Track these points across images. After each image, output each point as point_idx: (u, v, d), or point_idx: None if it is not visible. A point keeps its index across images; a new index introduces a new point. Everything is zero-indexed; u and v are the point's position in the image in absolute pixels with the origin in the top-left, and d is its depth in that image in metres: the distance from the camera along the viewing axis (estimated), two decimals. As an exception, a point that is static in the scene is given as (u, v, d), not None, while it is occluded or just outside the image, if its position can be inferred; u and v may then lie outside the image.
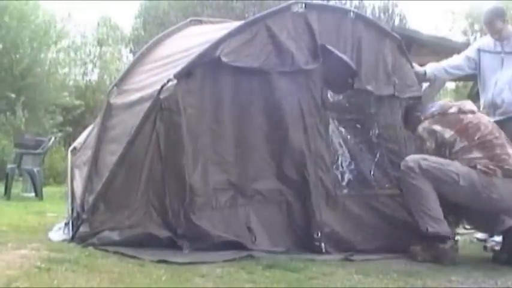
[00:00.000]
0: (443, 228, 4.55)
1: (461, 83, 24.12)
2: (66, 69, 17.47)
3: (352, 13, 5.13)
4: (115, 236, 4.35)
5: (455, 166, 4.55)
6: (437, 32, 27.09)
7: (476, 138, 4.59)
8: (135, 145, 4.39)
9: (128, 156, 4.42)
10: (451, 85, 26.20)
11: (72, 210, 4.94)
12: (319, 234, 4.57)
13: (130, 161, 4.43)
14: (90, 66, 18.91)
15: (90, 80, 18.55)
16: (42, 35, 15.28)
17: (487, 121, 4.80)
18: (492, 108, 5.53)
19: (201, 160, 4.37)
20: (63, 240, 4.69)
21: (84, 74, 18.76)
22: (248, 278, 3.56)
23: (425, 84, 6.21)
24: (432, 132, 4.69)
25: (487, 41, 5.72)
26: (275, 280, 3.67)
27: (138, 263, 3.91)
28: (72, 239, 4.62)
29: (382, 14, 25.24)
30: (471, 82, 16.97)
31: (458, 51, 5.96)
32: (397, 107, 5.35)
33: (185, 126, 4.27)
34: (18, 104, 13.68)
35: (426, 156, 4.62)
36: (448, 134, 4.64)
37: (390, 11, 25.96)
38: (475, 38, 30.73)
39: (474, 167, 4.52)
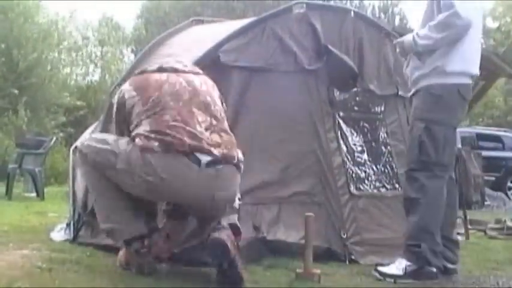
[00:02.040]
0: (121, 226, 3.57)
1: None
2: (68, 70, 17.49)
3: (352, 13, 5.12)
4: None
5: (119, 143, 3.49)
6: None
7: (150, 100, 3.44)
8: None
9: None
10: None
11: (74, 210, 4.94)
12: (346, 235, 4.57)
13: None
14: (91, 66, 18.92)
15: (91, 80, 18.57)
16: (45, 35, 15.29)
17: (182, 81, 3.56)
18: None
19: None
20: (65, 241, 4.70)
21: (86, 74, 18.78)
22: (249, 278, 3.56)
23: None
24: (119, 93, 3.66)
25: None
26: (276, 280, 3.68)
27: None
28: (74, 240, 4.63)
29: (382, 14, 25.28)
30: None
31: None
32: (402, 107, 5.35)
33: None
34: (20, 104, 13.68)
35: (96, 133, 3.82)
36: (128, 94, 3.54)
37: (390, 11, 25.99)
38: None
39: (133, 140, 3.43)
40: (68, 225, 4.93)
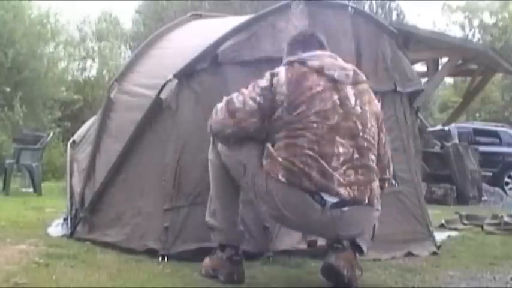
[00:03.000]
0: (222, 228, 3.55)
1: (459, 79, 24.22)
2: (64, 64, 17.43)
3: (351, 8, 5.11)
4: (113, 234, 4.35)
5: (251, 155, 3.30)
6: (435, 27, 27.20)
7: (296, 113, 3.19)
8: (135, 143, 4.38)
9: (128, 154, 4.42)
10: (449, 80, 26.33)
11: (71, 205, 4.94)
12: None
13: (130, 160, 4.42)
14: (89, 61, 18.89)
15: (88, 75, 18.54)
16: (38, 29, 15.24)
17: (335, 99, 3.26)
18: None
19: (203, 157, 4.30)
20: (62, 236, 4.70)
21: (83, 69, 18.75)
22: (247, 273, 3.55)
23: (423, 80, 6.15)
24: (275, 75, 3.34)
25: None
26: (274, 276, 3.68)
27: (136, 259, 3.91)
28: (71, 235, 4.63)
29: (379, 10, 25.29)
30: (469, 78, 17.10)
31: (456, 47, 5.94)
32: (399, 103, 5.34)
33: (186, 125, 4.26)
34: (16, 99, 13.65)
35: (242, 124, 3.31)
36: (280, 88, 3.26)
37: (387, 6, 26.01)
38: (473, 33, 30.81)
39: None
40: (65, 220, 4.94)
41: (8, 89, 13.86)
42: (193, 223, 4.15)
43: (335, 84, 3.29)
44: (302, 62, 3.36)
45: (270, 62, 4.51)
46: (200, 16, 5.79)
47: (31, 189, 9.43)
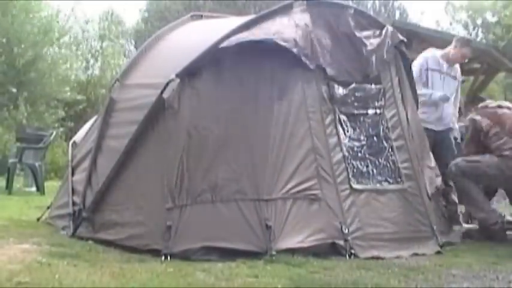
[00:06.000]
0: (490, 215, 5.74)
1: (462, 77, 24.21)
2: (68, 64, 17.43)
3: (351, 9, 5.12)
4: (116, 233, 4.36)
5: (485, 160, 5.72)
6: (438, 26, 27.17)
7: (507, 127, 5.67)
8: (137, 143, 4.39)
9: (130, 154, 4.42)
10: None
11: (73, 204, 4.93)
12: (347, 230, 4.57)
13: (132, 159, 4.43)
14: (92, 61, 18.87)
15: (91, 74, 18.53)
16: (46, 29, 15.25)
17: None
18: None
19: (205, 156, 4.32)
20: (65, 235, 4.70)
21: (86, 68, 18.74)
22: (250, 272, 3.56)
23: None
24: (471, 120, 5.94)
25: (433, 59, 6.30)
26: (276, 274, 3.68)
27: (139, 258, 3.92)
28: (73, 235, 4.63)
29: (382, 8, 25.30)
30: (472, 77, 17.07)
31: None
32: (400, 101, 5.34)
33: (188, 124, 4.26)
34: (20, 99, 13.67)
35: (465, 158, 5.82)
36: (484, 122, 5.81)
37: (390, 5, 26.03)
38: (476, 32, 30.78)
39: (501, 156, 5.68)
40: (70, 216, 4.90)
41: (14, 90, 13.86)
42: (195, 222, 4.16)
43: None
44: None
45: (270, 61, 4.56)
46: (201, 16, 5.81)
47: (34, 189, 9.43)
